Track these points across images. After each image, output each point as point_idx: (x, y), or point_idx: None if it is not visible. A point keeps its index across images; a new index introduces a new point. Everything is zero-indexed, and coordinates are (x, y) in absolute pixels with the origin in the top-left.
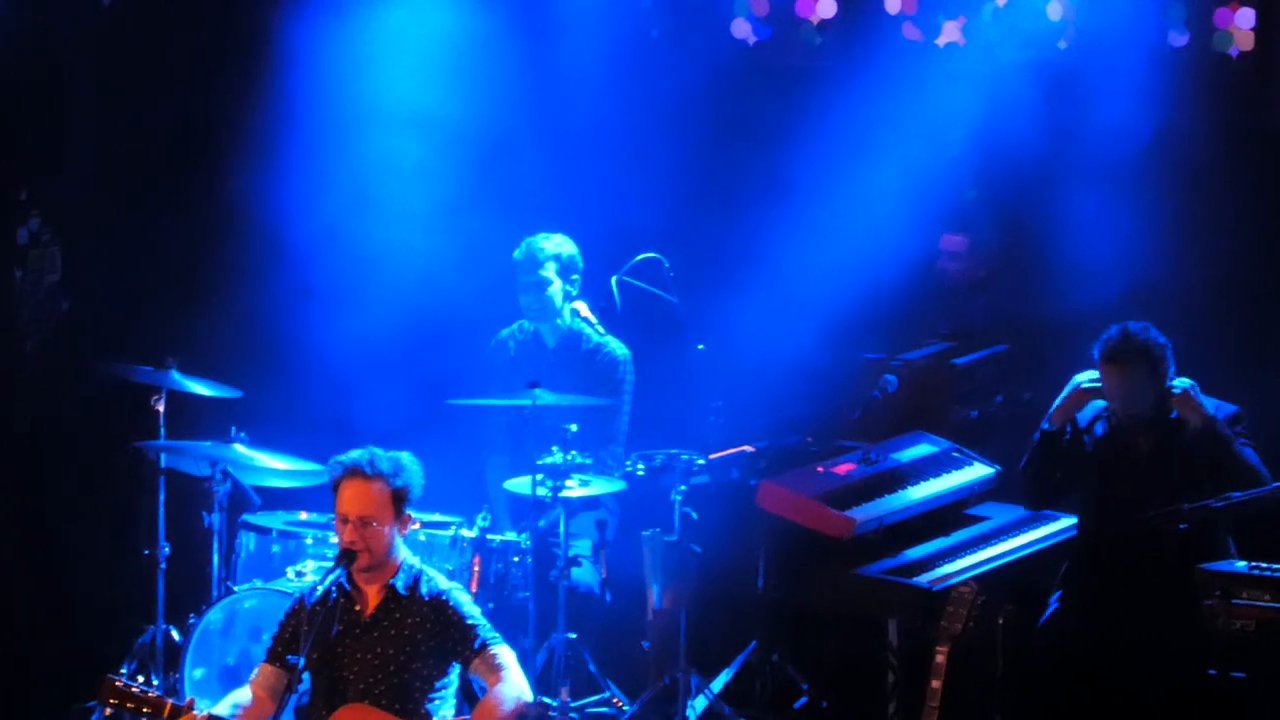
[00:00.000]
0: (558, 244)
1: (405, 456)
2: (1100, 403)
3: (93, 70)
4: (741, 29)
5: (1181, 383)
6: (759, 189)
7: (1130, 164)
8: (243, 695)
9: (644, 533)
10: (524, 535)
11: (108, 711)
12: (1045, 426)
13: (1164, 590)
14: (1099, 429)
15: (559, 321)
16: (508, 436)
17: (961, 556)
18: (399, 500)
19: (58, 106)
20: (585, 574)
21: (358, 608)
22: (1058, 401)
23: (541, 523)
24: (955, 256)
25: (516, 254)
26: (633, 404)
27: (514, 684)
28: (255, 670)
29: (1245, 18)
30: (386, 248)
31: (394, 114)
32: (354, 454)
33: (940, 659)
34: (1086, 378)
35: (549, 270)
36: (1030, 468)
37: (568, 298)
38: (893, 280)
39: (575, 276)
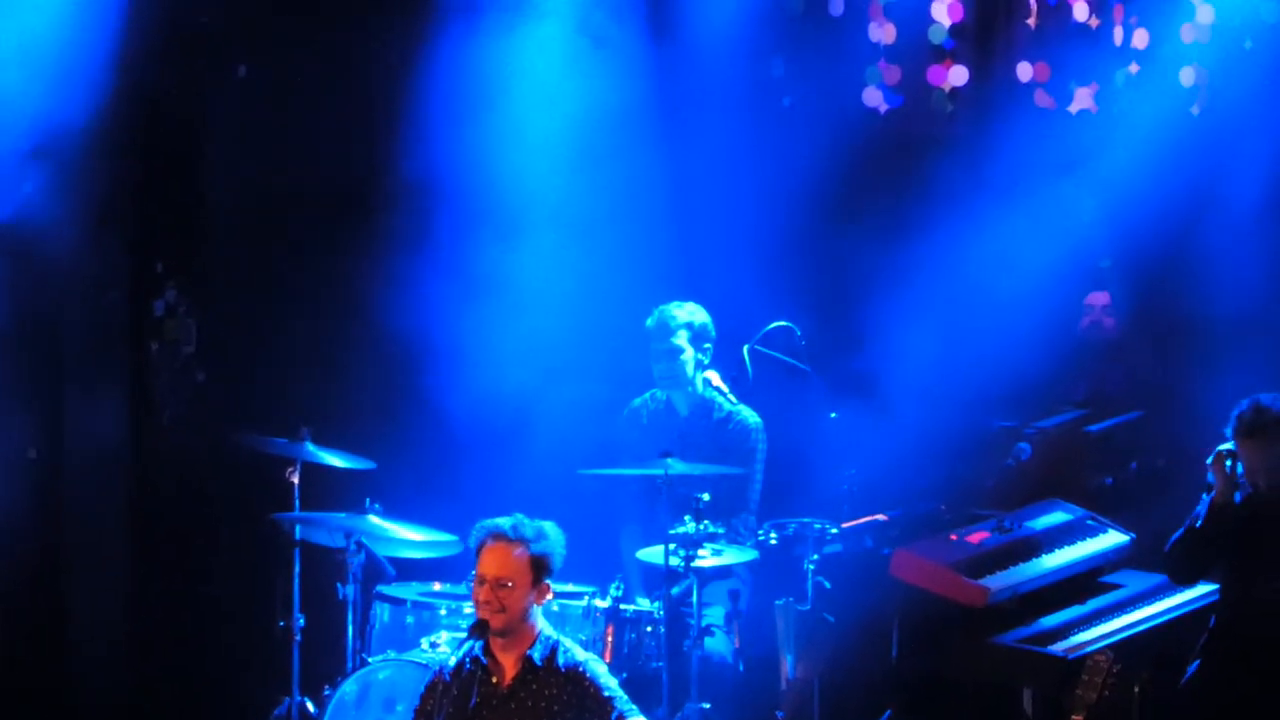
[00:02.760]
0: (690, 312)
1: (549, 526)
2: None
3: (228, 139)
4: (873, 97)
5: None
6: (891, 257)
7: (1266, 228)
8: None
9: (777, 602)
10: (657, 605)
11: None
12: (1205, 510)
13: None
14: (1236, 496)
15: (691, 390)
16: (640, 506)
17: (1096, 625)
18: (539, 567)
19: (194, 176)
20: (719, 644)
21: (495, 679)
22: (1212, 480)
23: (675, 591)
24: (1100, 314)
25: (649, 322)
26: (765, 473)
27: None
28: None
29: None
30: (519, 319)
31: (528, 188)
32: (500, 519)
33: None
34: (1227, 447)
35: (681, 338)
36: (1187, 548)
37: (700, 366)
38: (1027, 348)
39: (708, 345)
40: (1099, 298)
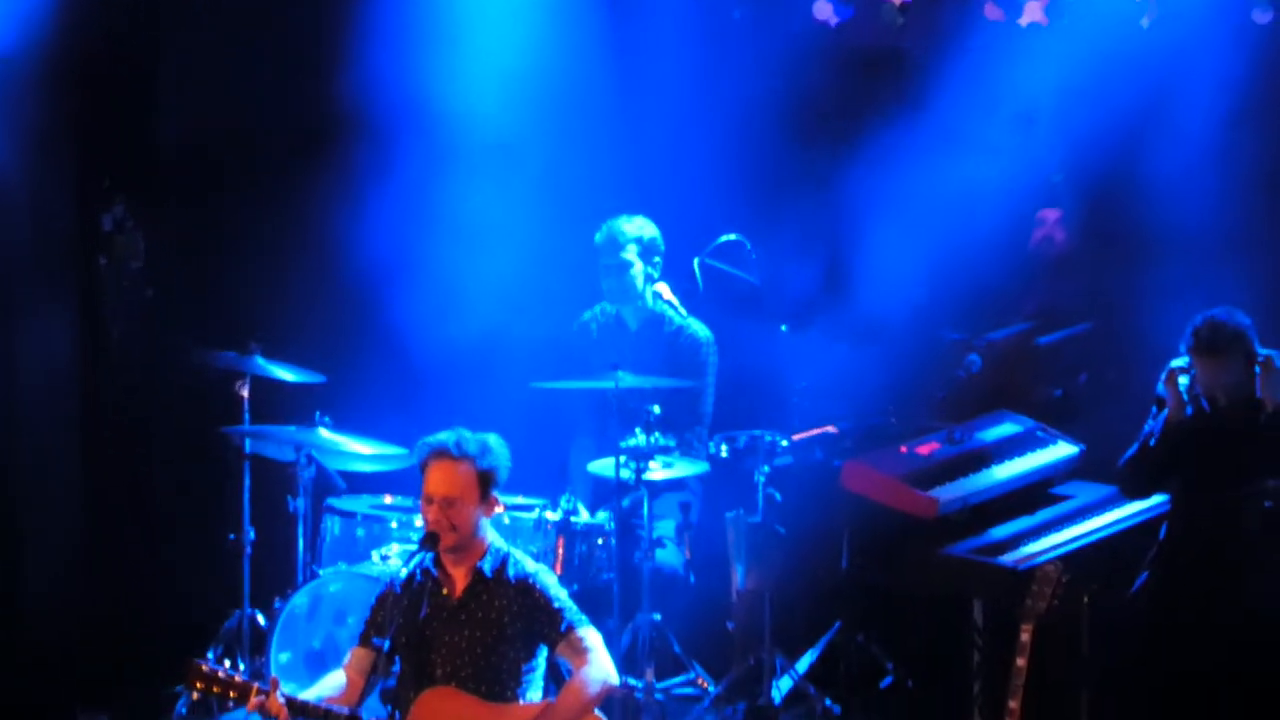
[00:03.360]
0: (639, 227)
1: (493, 438)
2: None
3: (179, 57)
4: (823, 10)
5: (1264, 351)
6: (841, 171)
7: (1215, 141)
8: (335, 678)
9: (728, 514)
10: (607, 516)
11: (195, 695)
12: (1159, 428)
13: (1251, 568)
14: (1189, 410)
15: (641, 304)
16: (591, 419)
17: (1046, 535)
18: (485, 482)
19: (143, 93)
20: (669, 556)
21: (445, 591)
22: (1164, 395)
23: (625, 503)
24: (1052, 228)
25: (598, 237)
26: (716, 386)
27: (600, 666)
28: (348, 654)
29: None
30: (468, 231)
31: (474, 99)
32: (441, 435)
33: (1025, 638)
34: (1180, 363)
35: (630, 253)
36: (1140, 465)
37: (649, 280)
38: (977, 261)
39: (657, 259)
40: (1051, 213)
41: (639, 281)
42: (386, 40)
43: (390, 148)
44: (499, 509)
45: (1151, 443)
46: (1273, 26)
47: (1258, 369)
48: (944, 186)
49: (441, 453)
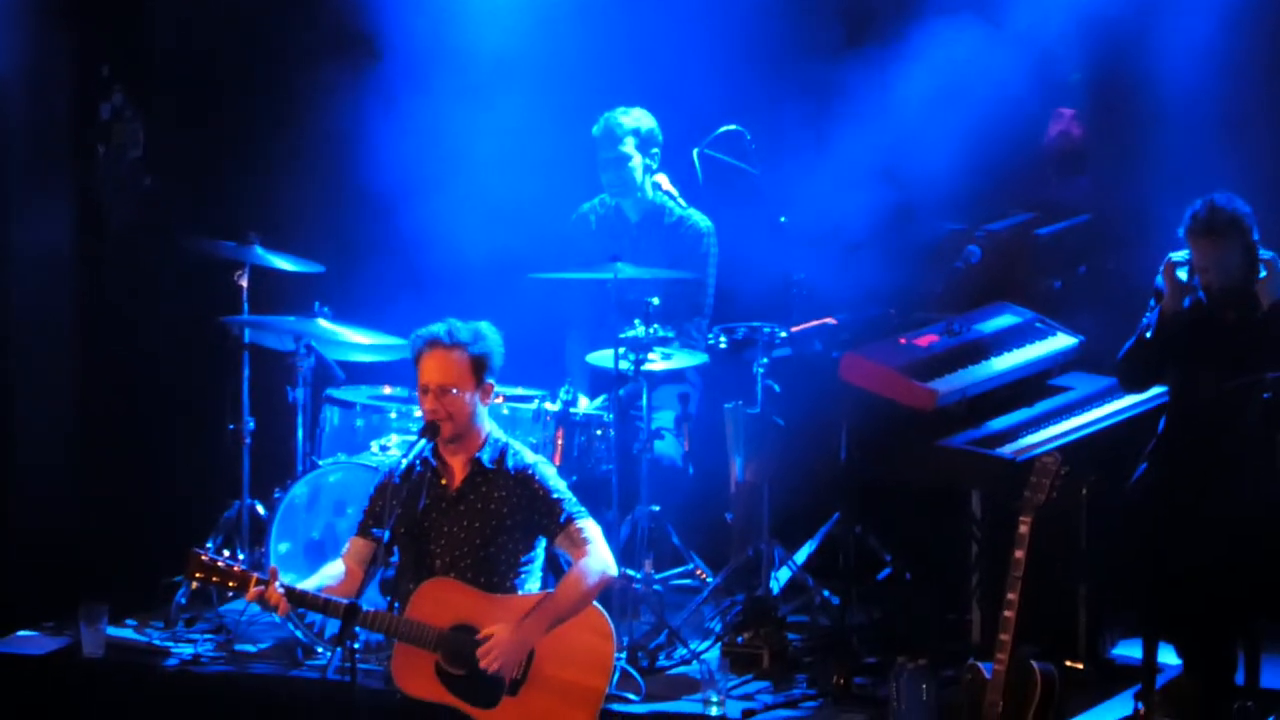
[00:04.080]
0: (636, 118)
1: (484, 325)
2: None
3: None
4: None
5: (1265, 254)
6: (841, 58)
7: (1219, 35)
8: (334, 568)
9: (726, 405)
10: (603, 404)
11: (194, 585)
12: (1154, 320)
13: (1248, 459)
14: (1186, 301)
15: (641, 196)
16: (588, 310)
17: (1045, 427)
18: (479, 368)
19: None
20: (668, 447)
21: (444, 481)
22: (1162, 287)
23: (622, 392)
24: (1068, 124)
25: (595, 130)
26: (717, 277)
27: (599, 558)
28: (347, 543)
29: None
30: (466, 123)
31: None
32: (433, 326)
33: (1024, 529)
34: (1178, 256)
35: (628, 145)
36: (1137, 358)
37: (648, 171)
38: (980, 151)
39: (655, 150)
40: (1067, 109)
41: (638, 174)
42: None
43: (390, 50)
44: (496, 399)
45: (1148, 334)
46: None
47: (1262, 271)
48: (944, 75)
49: (434, 342)
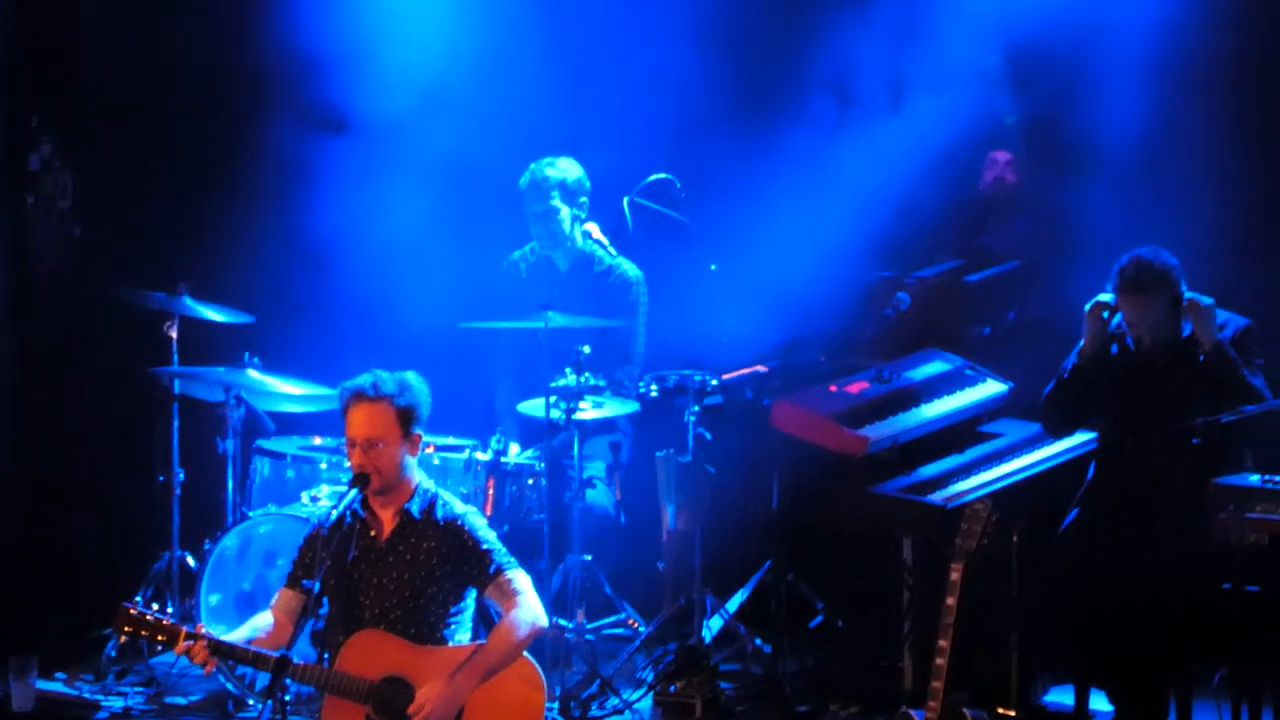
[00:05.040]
0: (562, 170)
1: (410, 376)
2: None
3: None
4: None
5: (1203, 299)
6: (772, 109)
7: (1158, 78)
8: (263, 619)
9: (658, 454)
10: (535, 454)
11: (123, 638)
12: (1074, 360)
13: (1178, 505)
14: (1114, 349)
15: (571, 245)
16: (517, 359)
17: (976, 474)
18: (406, 420)
19: (71, 32)
20: (600, 496)
21: (373, 533)
22: (1085, 331)
23: (555, 443)
24: (1003, 169)
25: (522, 182)
26: (647, 325)
27: (529, 609)
28: (275, 595)
29: None
30: (399, 173)
31: (402, 34)
32: (359, 379)
33: (955, 576)
34: (1105, 298)
35: (555, 199)
36: (1058, 399)
37: (577, 221)
38: (909, 200)
39: (583, 199)
40: (1002, 154)
41: (566, 225)
42: None
43: (319, 88)
44: (426, 449)
45: (1066, 375)
46: None
47: (1186, 311)
48: (886, 122)
49: (359, 395)
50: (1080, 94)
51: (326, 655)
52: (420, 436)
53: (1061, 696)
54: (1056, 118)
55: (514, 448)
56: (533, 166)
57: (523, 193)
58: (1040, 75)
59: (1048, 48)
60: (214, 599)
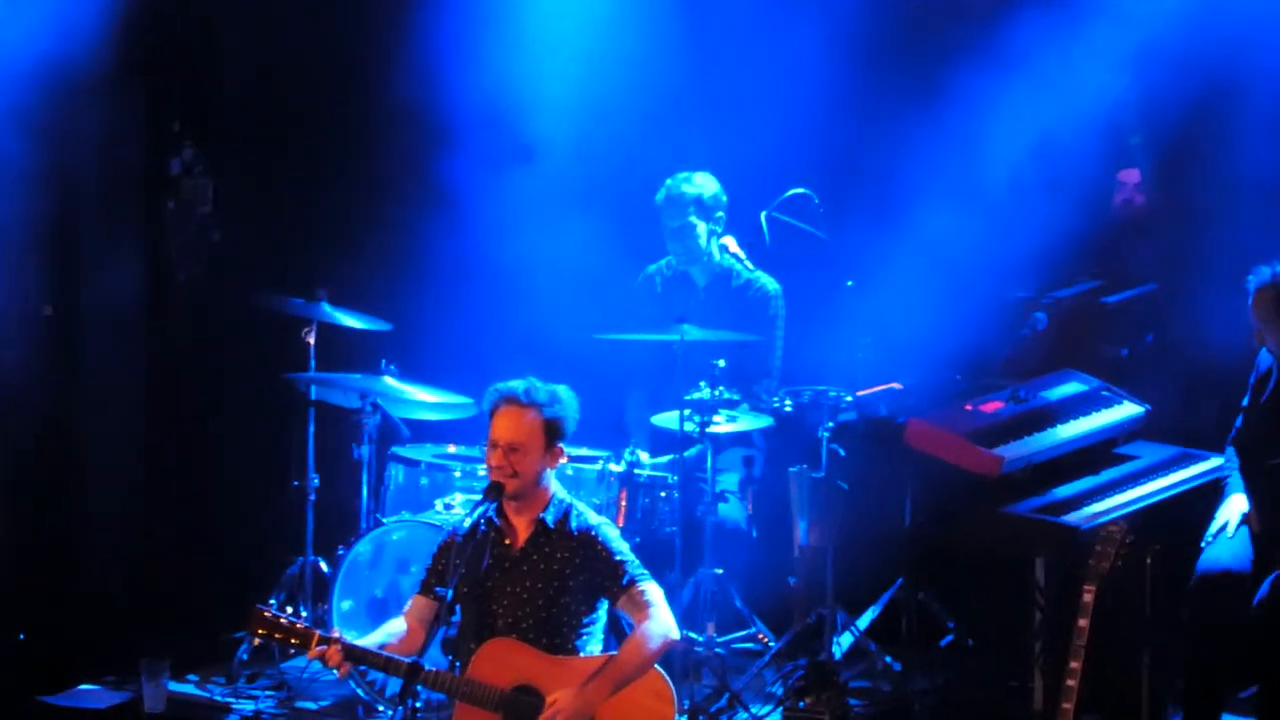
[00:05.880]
0: (699, 185)
1: (562, 389)
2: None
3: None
4: None
5: None
6: (913, 125)
7: None
8: (396, 625)
9: (791, 469)
10: (668, 468)
11: (256, 641)
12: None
13: None
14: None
15: (708, 260)
16: (647, 371)
17: (1110, 495)
18: (551, 431)
19: (213, 36)
20: (732, 510)
21: (507, 541)
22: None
23: (688, 455)
24: (1131, 191)
25: (658, 198)
26: (784, 339)
27: (661, 621)
28: (409, 601)
29: None
30: (540, 183)
31: (544, 46)
32: (512, 383)
33: (1088, 598)
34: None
35: (691, 215)
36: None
37: (713, 235)
38: (1048, 219)
39: (720, 214)
40: (1130, 175)
41: (703, 240)
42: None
43: (458, 113)
44: (563, 460)
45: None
46: None
47: None
48: (1015, 141)
49: (510, 399)
50: (1212, 110)
51: (458, 663)
52: (562, 450)
53: None
54: (1189, 136)
55: (643, 455)
56: (669, 182)
57: (659, 208)
58: (1174, 98)
59: (1184, 68)
60: (346, 605)
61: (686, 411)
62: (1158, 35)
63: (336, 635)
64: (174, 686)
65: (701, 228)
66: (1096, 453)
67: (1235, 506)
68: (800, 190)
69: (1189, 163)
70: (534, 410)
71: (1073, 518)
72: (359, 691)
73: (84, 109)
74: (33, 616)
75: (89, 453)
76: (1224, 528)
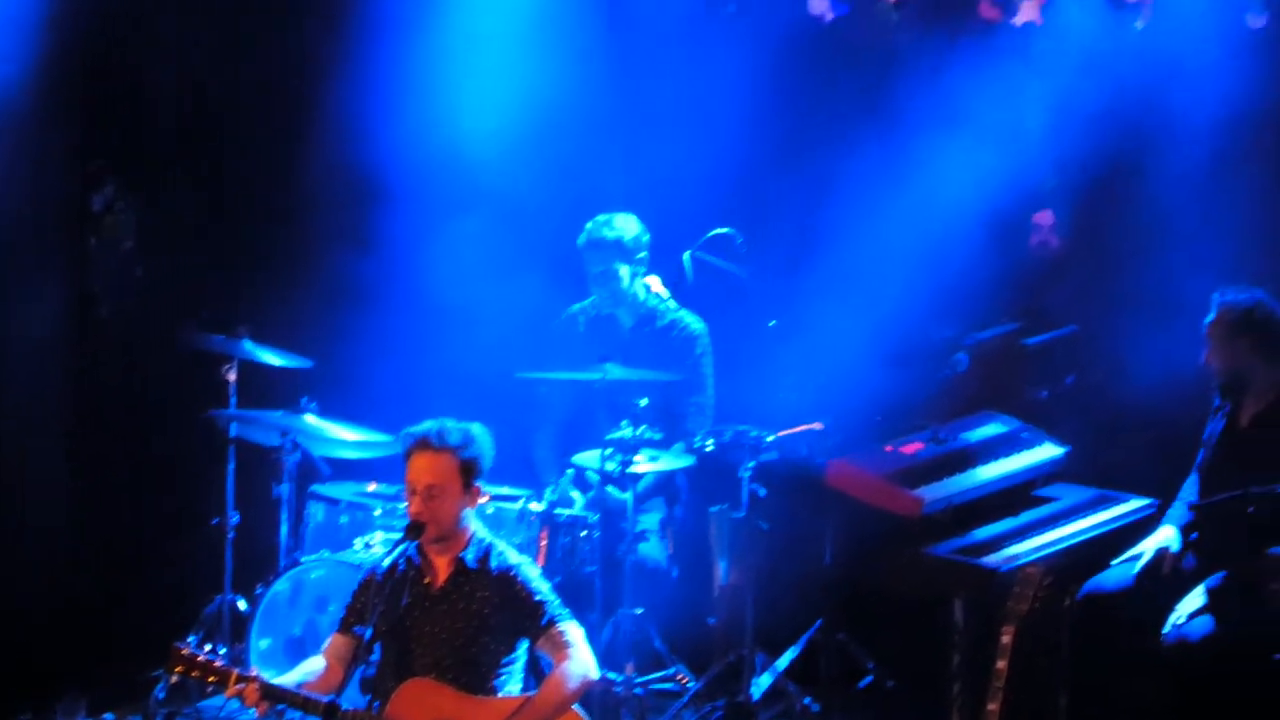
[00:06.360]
0: (619, 229)
1: (476, 428)
2: None
3: (169, 36)
4: (818, 5)
5: None
6: (834, 166)
7: (1210, 145)
8: (314, 664)
9: (712, 509)
10: (581, 500)
11: (174, 679)
12: None
13: (1236, 575)
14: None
15: (632, 301)
16: (559, 410)
17: (1029, 537)
18: (468, 472)
19: (133, 72)
20: (653, 549)
21: (427, 580)
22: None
23: (609, 495)
24: (1046, 232)
25: (580, 241)
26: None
27: (580, 661)
28: (327, 640)
29: None
30: (457, 221)
31: (468, 89)
32: (425, 425)
33: (1006, 640)
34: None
35: (613, 259)
36: None
37: (636, 276)
38: (967, 260)
39: (642, 255)
40: (1045, 216)
41: (626, 283)
42: (381, 38)
43: (382, 152)
44: (482, 499)
45: None
46: (1266, 30)
47: None
48: (936, 185)
49: (424, 442)
50: (1129, 154)
51: (376, 702)
52: (480, 489)
53: None
54: (1105, 183)
55: (575, 494)
56: (589, 226)
57: (581, 252)
58: (1090, 141)
59: (1099, 113)
60: (264, 643)
61: (608, 451)
62: (1073, 81)
63: (254, 674)
64: None
65: (624, 271)
66: (1016, 494)
67: (1156, 538)
68: (723, 230)
69: (1104, 205)
70: (449, 452)
71: (992, 559)
72: None
73: (6, 145)
74: None
75: (8, 488)
76: (1138, 557)
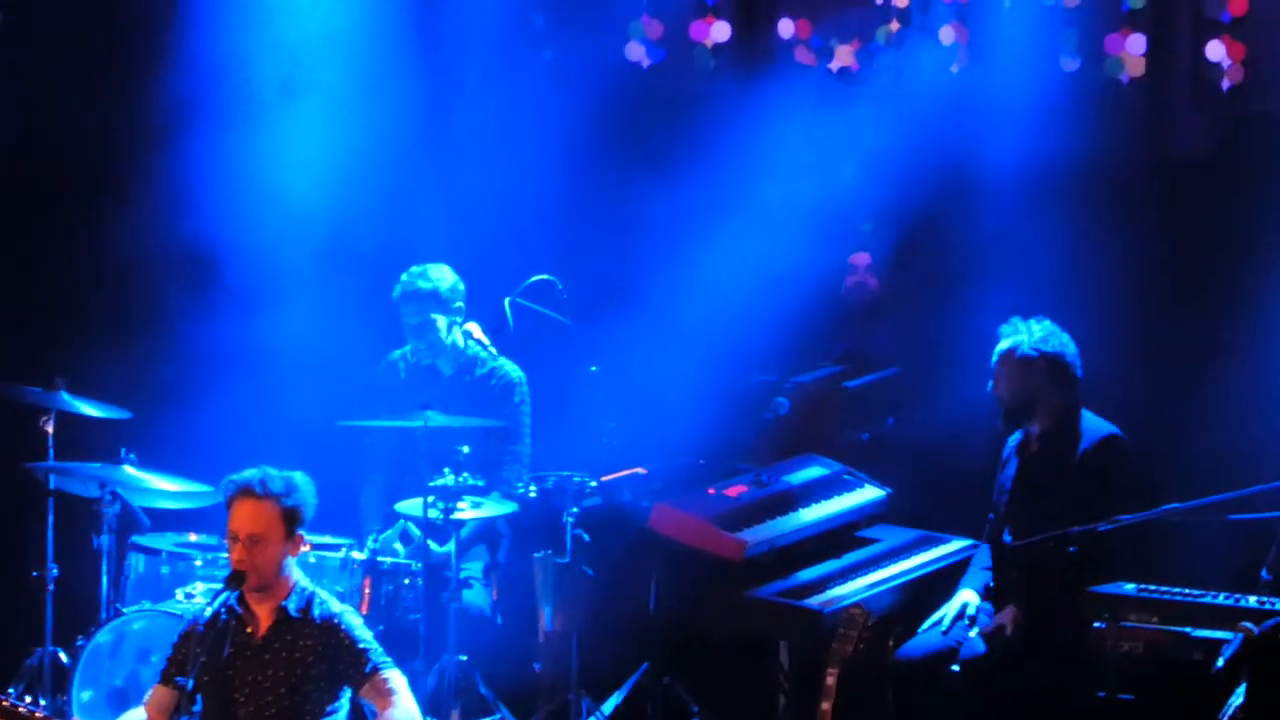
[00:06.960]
0: (434, 280)
1: (299, 476)
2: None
3: None
4: (635, 52)
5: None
6: (653, 211)
7: (1026, 188)
8: (136, 715)
9: (536, 555)
10: (404, 551)
11: None
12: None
13: (1055, 613)
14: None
15: (452, 349)
16: (388, 458)
17: (853, 579)
18: (290, 520)
19: None
20: (477, 596)
21: (249, 629)
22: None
23: (431, 542)
24: (863, 274)
25: (395, 294)
26: (532, 425)
27: (404, 709)
28: (149, 692)
29: (1136, 44)
30: (275, 270)
31: (283, 133)
32: (247, 473)
33: (831, 681)
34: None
35: (429, 311)
36: None
37: (455, 325)
38: (787, 304)
39: (459, 304)
40: (861, 258)
41: (444, 333)
42: (202, 91)
43: (195, 199)
44: (305, 547)
45: None
46: (1079, 73)
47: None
48: (752, 230)
49: (246, 490)
50: (945, 197)
51: None
52: (302, 538)
53: None
54: (921, 225)
55: (399, 546)
56: (404, 278)
57: (396, 303)
58: (906, 185)
59: (915, 158)
60: (86, 695)
61: (430, 498)
62: (889, 124)
63: None
64: None
65: (441, 321)
66: (839, 536)
67: (957, 601)
68: (544, 276)
69: (918, 247)
70: (271, 500)
71: (815, 601)
72: None
73: None
74: None
75: None
76: (941, 620)
